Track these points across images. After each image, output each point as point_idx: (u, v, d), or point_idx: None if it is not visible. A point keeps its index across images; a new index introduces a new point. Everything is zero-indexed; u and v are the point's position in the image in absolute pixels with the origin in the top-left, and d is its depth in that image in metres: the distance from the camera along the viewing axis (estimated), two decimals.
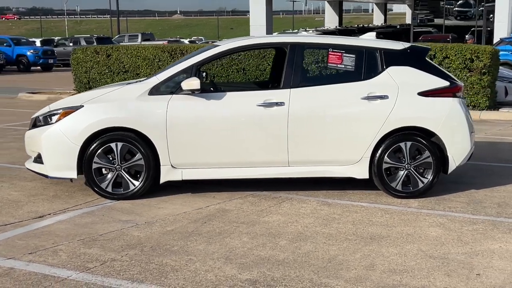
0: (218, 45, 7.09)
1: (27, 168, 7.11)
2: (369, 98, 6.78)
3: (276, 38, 7.29)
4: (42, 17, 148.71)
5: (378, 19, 52.15)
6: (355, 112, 6.78)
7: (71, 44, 37.98)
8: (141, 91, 6.74)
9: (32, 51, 34.55)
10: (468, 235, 5.65)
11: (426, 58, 7.15)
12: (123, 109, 6.69)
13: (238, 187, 7.20)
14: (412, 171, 6.86)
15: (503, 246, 5.35)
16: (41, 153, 6.78)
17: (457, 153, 6.90)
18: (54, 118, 6.80)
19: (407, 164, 6.85)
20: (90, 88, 18.12)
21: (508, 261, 4.99)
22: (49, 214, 6.23)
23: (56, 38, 49.65)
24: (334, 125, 6.77)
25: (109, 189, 6.73)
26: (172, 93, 6.75)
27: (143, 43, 34.93)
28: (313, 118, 6.76)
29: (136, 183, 6.75)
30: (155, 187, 6.94)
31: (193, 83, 6.61)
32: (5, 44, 35.13)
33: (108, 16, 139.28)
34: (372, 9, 59.36)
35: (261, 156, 6.80)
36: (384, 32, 34.65)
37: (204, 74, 7.73)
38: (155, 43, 28.73)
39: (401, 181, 6.87)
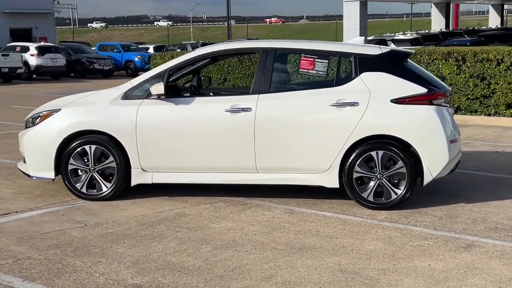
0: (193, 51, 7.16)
1: (18, 168, 7.51)
2: (338, 105, 6.57)
3: (249, 43, 7.24)
4: (174, 24, 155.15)
5: (494, 21, 49.59)
6: (323, 119, 6.59)
7: (178, 50, 39.32)
8: (115, 96, 6.94)
9: (139, 57, 36.16)
10: (406, 251, 5.34)
11: (406, 64, 6.80)
12: (97, 113, 6.92)
13: (219, 191, 7.19)
14: (384, 182, 6.56)
15: (433, 264, 5.01)
16: (24, 153, 7.16)
17: (433, 164, 6.52)
18: (37, 120, 7.15)
19: (378, 174, 6.56)
20: None
21: (421, 280, 4.68)
22: (16, 212, 6.55)
23: (168, 44, 51.54)
24: (301, 132, 6.62)
25: (84, 190, 6.97)
26: (144, 98, 6.88)
27: None
28: (279, 124, 6.65)
29: (109, 185, 6.94)
30: (152, 188, 7.09)
31: (159, 88, 6.71)
32: (115, 50, 37.08)
33: (233, 22, 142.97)
34: (488, 11, 56.49)
35: (229, 162, 6.78)
36: (496, 35, 32.87)
37: (202, 78, 7.85)
38: None
39: (373, 192, 6.59)
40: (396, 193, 6.56)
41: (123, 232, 5.84)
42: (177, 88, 7.23)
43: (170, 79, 7.04)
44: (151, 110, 6.82)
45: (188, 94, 7.07)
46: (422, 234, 5.79)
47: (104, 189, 6.95)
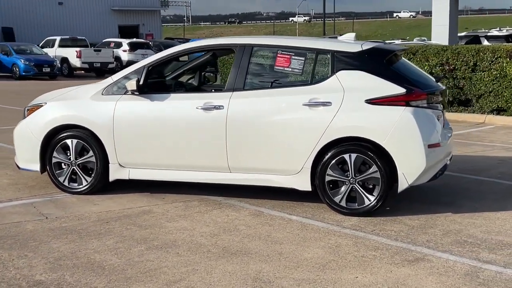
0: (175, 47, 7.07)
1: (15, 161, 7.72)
2: (310, 104, 6.26)
3: (227, 39, 7.02)
4: (282, 21, 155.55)
5: None
6: (294, 119, 6.30)
7: None
8: (96, 91, 6.98)
9: None
10: (343, 261, 5.00)
11: (389, 62, 6.36)
12: (78, 108, 6.99)
13: (204, 189, 7.06)
14: (357, 187, 6.19)
15: (360, 277, 4.66)
16: (14, 145, 7.36)
17: (409, 170, 6.07)
18: (26, 113, 7.33)
19: (351, 178, 6.20)
20: None
21: None
22: None
23: None
24: (272, 132, 6.37)
25: (66, 183, 7.07)
26: (122, 93, 6.87)
27: None
28: (250, 123, 6.43)
29: (89, 179, 7.00)
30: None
31: (132, 83, 6.69)
32: None
33: (343, 18, 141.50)
34: None
35: (203, 160, 6.64)
36: None
37: (205, 74, 7.78)
38: None
39: (345, 197, 6.24)
40: (369, 199, 6.18)
41: (74, 227, 5.85)
42: (160, 84, 7.18)
43: (154, 75, 7.00)
44: (127, 105, 6.80)
45: (170, 90, 6.99)
46: (376, 245, 5.40)
47: (84, 183, 7.02)
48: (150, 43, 34.40)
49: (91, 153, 6.93)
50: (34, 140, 7.09)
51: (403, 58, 6.98)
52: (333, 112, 6.18)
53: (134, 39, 34.93)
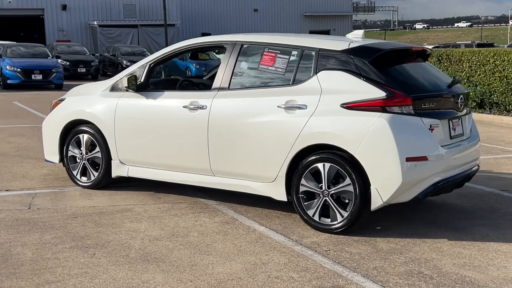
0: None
1: None
2: (286, 107, 5.75)
3: (220, 37, 6.63)
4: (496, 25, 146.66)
5: None
6: (269, 122, 5.83)
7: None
8: (105, 87, 7.05)
9: None
10: (251, 280, 4.51)
11: (373, 61, 5.60)
12: (88, 104, 7.11)
13: (206, 193, 6.83)
14: (330, 200, 5.56)
15: None
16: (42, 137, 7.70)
17: (382, 185, 5.31)
18: (51, 107, 7.64)
19: (324, 190, 5.58)
20: None
21: None
22: (5, 190, 7.09)
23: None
24: (249, 135, 5.95)
25: (78, 176, 7.24)
26: (125, 91, 6.86)
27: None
28: (230, 125, 6.07)
29: (96, 174, 7.10)
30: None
31: (124, 80, 6.66)
32: None
33: None
34: None
35: (188, 162, 6.41)
36: None
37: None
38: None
39: (318, 211, 5.64)
40: (342, 216, 5.51)
41: (40, 219, 5.93)
42: (160, 81, 7.08)
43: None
44: (127, 103, 6.77)
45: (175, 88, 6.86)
46: (309, 266, 4.79)
47: (92, 178, 7.12)
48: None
49: (97, 148, 7.01)
50: (55, 133, 7.34)
51: (418, 59, 6.11)
52: (307, 117, 5.61)
53: None
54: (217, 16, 51.88)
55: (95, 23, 43.02)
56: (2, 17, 43.49)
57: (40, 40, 40.00)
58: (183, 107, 6.31)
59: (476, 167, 6.25)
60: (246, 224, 5.86)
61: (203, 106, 6.19)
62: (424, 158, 5.31)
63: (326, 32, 57.80)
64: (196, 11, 50.56)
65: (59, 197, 6.77)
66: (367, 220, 5.67)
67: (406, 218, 6.14)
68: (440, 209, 6.51)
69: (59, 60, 25.63)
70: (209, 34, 51.59)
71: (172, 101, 6.47)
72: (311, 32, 56.42)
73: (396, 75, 5.60)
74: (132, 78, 6.59)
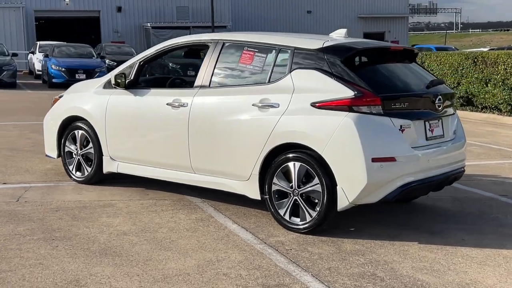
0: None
1: None
2: (260, 105, 5.74)
3: (203, 35, 6.65)
4: None
5: None
6: (243, 121, 5.83)
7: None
8: (98, 84, 7.18)
9: None
10: (197, 276, 4.53)
11: (345, 60, 5.52)
12: (82, 101, 7.26)
13: (196, 190, 6.82)
14: (300, 200, 5.52)
15: None
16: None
17: (348, 185, 5.24)
18: (51, 104, 7.84)
19: (295, 189, 5.55)
20: None
21: None
22: (3, 183, 7.31)
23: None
24: (225, 133, 5.96)
25: (73, 171, 7.40)
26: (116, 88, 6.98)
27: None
28: (207, 123, 6.10)
29: (89, 169, 7.25)
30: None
31: (110, 78, 6.77)
32: None
33: None
34: None
35: (171, 159, 6.47)
36: None
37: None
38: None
39: (289, 210, 5.61)
40: (311, 216, 5.46)
41: (23, 212, 6.06)
42: (152, 79, 7.16)
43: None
44: (117, 100, 6.88)
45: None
46: (263, 264, 4.77)
47: (86, 173, 7.26)
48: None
49: (91, 144, 7.15)
50: (53, 128, 7.52)
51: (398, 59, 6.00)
52: (278, 115, 5.59)
53: None
54: (269, 18, 51.92)
55: (148, 25, 43.75)
56: (60, 19, 44.73)
57: (97, 41, 40.93)
58: (167, 104, 6.38)
59: (461, 169, 6.08)
60: (220, 221, 5.87)
61: (184, 104, 6.24)
62: (391, 159, 5.21)
63: (381, 34, 57.10)
64: (248, 13, 50.74)
65: (50, 191, 6.93)
66: (341, 221, 5.60)
67: (384, 220, 6.04)
68: (424, 212, 6.37)
69: (107, 61, 26.17)
70: None
71: (157, 99, 6.54)
72: (365, 35, 55.87)
73: (368, 74, 5.51)
74: (120, 76, 6.69)
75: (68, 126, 7.37)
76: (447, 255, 5.06)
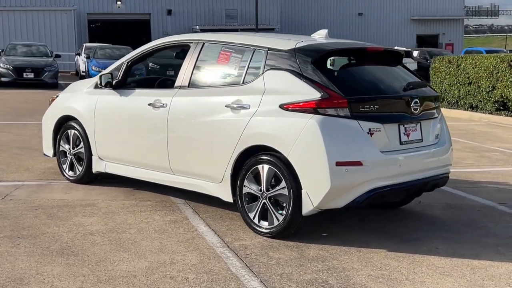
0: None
1: None
2: (233, 106, 5.65)
3: (185, 36, 6.58)
4: None
5: None
6: (216, 122, 5.75)
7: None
8: (90, 84, 7.22)
9: None
10: (145, 279, 4.48)
11: (316, 62, 5.36)
12: (74, 100, 7.32)
13: (175, 191, 6.75)
14: (268, 203, 5.40)
15: None
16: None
17: (313, 189, 5.09)
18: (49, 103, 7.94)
19: (263, 193, 5.44)
20: (443, 99, 17.48)
21: None
22: None
23: None
24: (200, 135, 5.90)
25: (67, 170, 7.46)
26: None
27: None
28: (184, 124, 6.05)
29: (80, 169, 7.30)
30: None
31: (98, 78, 6.79)
32: None
33: None
34: None
35: (152, 159, 6.44)
36: None
37: None
38: None
39: (258, 214, 5.50)
40: (278, 220, 5.34)
41: (3, 209, 6.11)
42: (141, 80, 7.15)
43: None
44: (104, 100, 6.90)
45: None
46: (214, 269, 4.67)
47: (77, 172, 7.31)
48: (411, 51, 33.10)
49: (82, 144, 7.19)
50: (50, 127, 7.60)
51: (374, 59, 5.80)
52: (249, 117, 5.48)
53: (396, 48, 33.84)
54: (319, 20, 51.49)
55: (198, 28, 44.10)
56: (112, 21, 45.56)
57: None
58: (148, 104, 6.35)
59: (443, 175, 5.83)
60: (193, 224, 5.80)
61: (164, 104, 6.20)
62: (358, 163, 5.03)
63: (435, 37, 56.01)
64: (297, 16, 50.55)
65: (40, 190, 6.99)
66: (316, 225, 5.49)
67: (360, 225, 5.85)
68: (409, 219, 6.14)
69: (150, 64, 26.41)
70: None
71: (140, 99, 6.52)
72: (419, 37, 54.91)
73: (339, 76, 5.35)
74: (106, 76, 6.71)
75: (63, 125, 7.43)
76: (412, 264, 4.85)
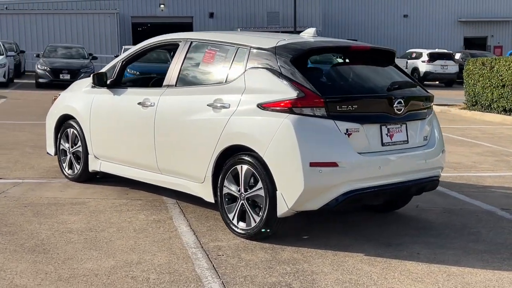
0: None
1: None
2: (214, 105, 5.58)
3: (175, 34, 6.51)
4: None
5: None
6: (198, 121, 5.68)
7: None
8: (88, 83, 7.25)
9: None
10: (107, 279, 4.44)
11: (295, 60, 5.23)
12: (73, 99, 7.36)
13: (170, 190, 6.68)
14: (246, 204, 5.31)
15: None
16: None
17: (287, 190, 4.97)
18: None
19: (242, 193, 5.35)
20: (476, 102, 17.09)
21: None
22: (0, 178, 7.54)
23: None
24: (184, 134, 5.84)
25: (66, 169, 7.51)
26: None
27: None
28: (170, 123, 6.00)
29: (78, 167, 7.33)
30: None
31: (91, 78, 6.82)
32: None
33: None
34: None
35: (141, 158, 6.42)
36: None
37: None
38: None
39: (237, 214, 5.41)
40: (255, 221, 5.24)
41: None
42: (136, 79, 7.13)
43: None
44: (99, 99, 6.92)
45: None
46: (179, 269, 4.60)
47: (76, 170, 7.35)
48: (453, 54, 32.38)
49: (79, 143, 7.23)
50: (52, 125, 7.67)
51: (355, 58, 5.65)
52: (228, 116, 5.40)
53: (436, 50, 33.15)
54: (363, 22, 51.03)
55: (239, 30, 44.20)
56: (156, 24, 46.07)
57: None
58: (138, 103, 6.33)
59: (432, 178, 5.62)
60: (175, 223, 5.75)
61: (152, 103, 6.17)
62: (333, 164, 4.88)
63: (483, 39, 54.79)
64: (341, 18, 50.15)
65: (37, 188, 7.05)
66: (299, 228, 5.43)
67: (345, 230, 5.69)
68: (397, 223, 5.96)
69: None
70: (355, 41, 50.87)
71: (131, 98, 6.51)
72: (466, 39, 53.78)
73: (319, 75, 5.21)
74: (100, 76, 6.72)
75: (63, 124, 7.48)
76: (386, 269, 4.68)
